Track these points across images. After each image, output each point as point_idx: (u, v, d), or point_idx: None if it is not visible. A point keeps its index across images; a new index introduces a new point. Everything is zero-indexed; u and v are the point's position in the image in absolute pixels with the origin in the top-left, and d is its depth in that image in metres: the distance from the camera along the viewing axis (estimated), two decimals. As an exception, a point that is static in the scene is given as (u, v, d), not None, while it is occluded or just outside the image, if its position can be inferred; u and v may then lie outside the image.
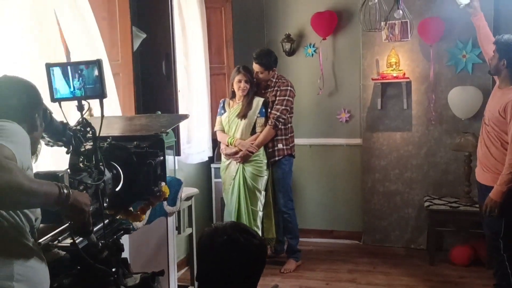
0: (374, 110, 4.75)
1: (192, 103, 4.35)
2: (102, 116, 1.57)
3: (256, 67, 3.99)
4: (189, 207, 3.77)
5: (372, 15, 3.81)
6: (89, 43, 2.80)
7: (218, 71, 4.69)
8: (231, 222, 1.51)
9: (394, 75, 4.52)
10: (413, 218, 4.73)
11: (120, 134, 1.87)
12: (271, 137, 3.98)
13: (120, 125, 1.99)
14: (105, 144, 1.70)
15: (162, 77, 3.58)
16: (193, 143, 4.35)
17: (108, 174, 1.63)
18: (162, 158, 1.81)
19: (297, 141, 4.46)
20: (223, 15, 4.66)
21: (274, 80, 4.08)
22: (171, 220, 3.21)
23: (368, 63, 4.74)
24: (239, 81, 3.93)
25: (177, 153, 3.56)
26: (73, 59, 2.66)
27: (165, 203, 3.01)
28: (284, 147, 4.05)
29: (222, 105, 4.12)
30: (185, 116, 2.20)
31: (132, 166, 1.71)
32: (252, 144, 3.92)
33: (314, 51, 5.01)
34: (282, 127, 4.03)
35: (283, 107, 3.97)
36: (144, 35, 3.46)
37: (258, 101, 3.98)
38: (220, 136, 4.09)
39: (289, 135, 4.11)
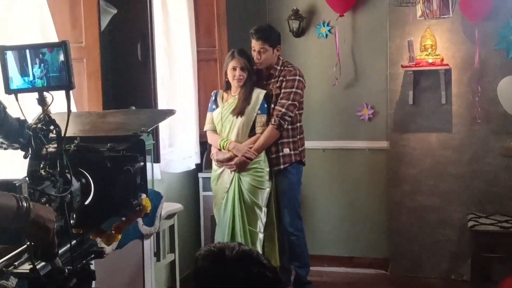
0: (404, 106, 4.85)
1: (175, 97, 4.46)
2: (69, 111, 1.59)
3: (256, 44, 4.07)
4: (171, 227, 3.89)
5: (403, -16, 3.87)
6: (32, 21, 2.86)
7: (207, 56, 4.79)
8: (239, 249, 1.53)
9: (430, 61, 4.61)
10: (453, 242, 4.79)
11: (91, 134, 1.91)
12: (275, 140, 4.05)
13: (90, 123, 2.02)
14: (72, 146, 1.73)
15: (137, 64, 3.64)
16: (177, 147, 4.42)
17: (76, 184, 1.65)
18: (142, 164, 1.84)
19: (308, 144, 4.51)
20: (214, -13, 4.73)
21: (278, 67, 4.16)
22: (148, 244, 3.23)
23: (396, 46, 4.86)
24: (234, 68, 4.00)
25: (156, 159, 3.62)
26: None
27: (140, 222, 3.03)
28: (292, 152, 4.13)
29: (213, 98, 4.19)
30: (170, 112, 2.25)
31: (105, 174, 1.75)
32: (251, 148, 3.97)
33: (329, 31, 5.14)
34: (289, 127, 4.11)
35: (290, 102, 4.04)
36: (115, 11, 3.53)
37: (258, 94, 4.04)
38: (210, 138, 4.16)
39: (298, 137, 4.18)
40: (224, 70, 4.08)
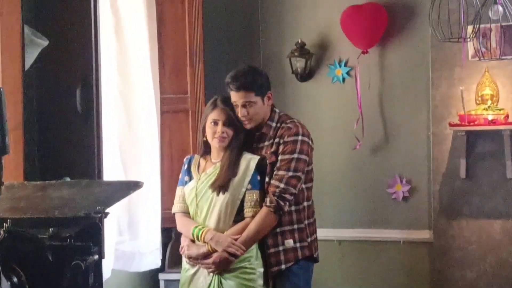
0: (454, 180, 4.92)
1: (130, 163, 4.53)
2: (1, 183, 1.67)
3: (238, 96, 4.05)
4: None
5: (451, 14, 4.01)
6: None
7: (175, 105, 4.94)
8: None
9: (490, 118, 4.70)
10: None
11: (27, 215, 1.96)
12: (270, 227, 4.02)
13: (25, 199, 2.07)
14: (1, 232, 1.76)
15: (75, 116, 3.70)
16: (130, 235, 4.47)
17: (5, 285, 1.69)
18: (97, 257, 1.91)
19: (319, 232, 4.42)
20: (185, 9, 4.94)
21: (273, 124, 4.17)
22: None
23: (442, 97, 4.95)
24: (215, 123, 4.00)
25: (100, 253, 3.65)
26: None
27: None
28: (298, 245, 4.07)
29: (185, 167, 4.19)
30: (136, 185, 2.32)
31: (46, 271, 1.80)
32: (236, 240, 3.95)
33: (347, 73, 5.26)
34: (292, 208, 4.07)
35: (291, 174, 4.02)
36: (46, 43, 3.62)
37: (249, 161, 4.04)
38: (180, 224, 4.16)
39: (306, 221, 4.15)
40: (202, 126, 4.08)
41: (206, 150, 4.10)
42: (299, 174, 4.01)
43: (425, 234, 5.14)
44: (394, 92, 5.25)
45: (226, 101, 4.05)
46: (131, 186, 2.38)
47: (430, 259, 5.08)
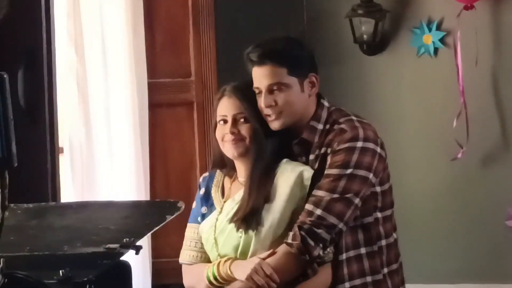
0: None
1: (100, 181, 4.46)
2: (4, 207, 1.79)
3: (261, 73, 3.55)
4: None
5: None
6: None
7: (172, 95, 4.76)
8: None
9: None
10: None
11: (25, 252, 2.02)
12: (291, 276, 3.52)
13: (17, 230, 2.12)
14: None
15: (16, 112, 3.24)
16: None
17: None
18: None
19: None
20: None
21: (319, 125, 3.62)
22: None
23: None
24: (224, 121, 3.54)
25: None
26: None
27: None
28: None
29: (202, 191, 3.73)
30: (173, 207, 2.43)
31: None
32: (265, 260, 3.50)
33: (442, 40, 4.88)
34: (362, 251, 3.60)
35: (336, 195, 3.47)
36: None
37: (300, 173, 3.51)
38: (190, 275, 3.68)
39: (385, 270, 3.58)
40: (214, 128, 3.61)
41: (231, 163, 3.67)
42: (350, 196, 3.46)
43: None
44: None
45: (241, 88, 3.54)
46: (167, 208, 2.43)
47: None
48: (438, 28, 4.85)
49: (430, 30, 4.86)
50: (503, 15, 4.80)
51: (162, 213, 2.37)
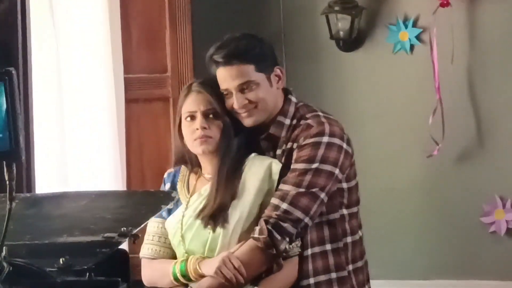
0: None
1: (75, 178, 4.43)
2: (12, 199, 1.81)
3: (229, 74, 3.61)
4: None
5: None
6: None
7: (148, 90, 4.81)
8: None
9: None
10: None
11: (26, 240, 2.04)
12: (258, 271, 3.55)
13: (15, 219, 1.98)
14: (4, 264, 1.84)
15: None
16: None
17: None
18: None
19: (374, 287, 3.90)
20: None
21: (287, 121, 3.70)
22: None
23: None
24: (191, 117, 3.58)
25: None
26: None
27: None
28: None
29: (167, 186, 3.80)
30: (167, 197, 2.45)
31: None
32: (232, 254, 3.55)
33: (418, 37, 4.93)
34: (328, 247, 3.63)
35: (302, 190, 3.51)
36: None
37: (268, 166, 3.58)
38: (150, 270, 3.70)
39: (350, 267, 3.67)
40: (177, 125, 3.67)
41: (195, 160, 3.73)
42: (316, 191, 3.50)
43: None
44: (492, 68, 4.80)
45: (209, 84, 3.63)
46: (161, 198, 2.42)
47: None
48: (414, 25, 4.90)
49: (406, 27, 4.90)
50: (479, 12, 4.81)
51: (156, 203, 2.39)
